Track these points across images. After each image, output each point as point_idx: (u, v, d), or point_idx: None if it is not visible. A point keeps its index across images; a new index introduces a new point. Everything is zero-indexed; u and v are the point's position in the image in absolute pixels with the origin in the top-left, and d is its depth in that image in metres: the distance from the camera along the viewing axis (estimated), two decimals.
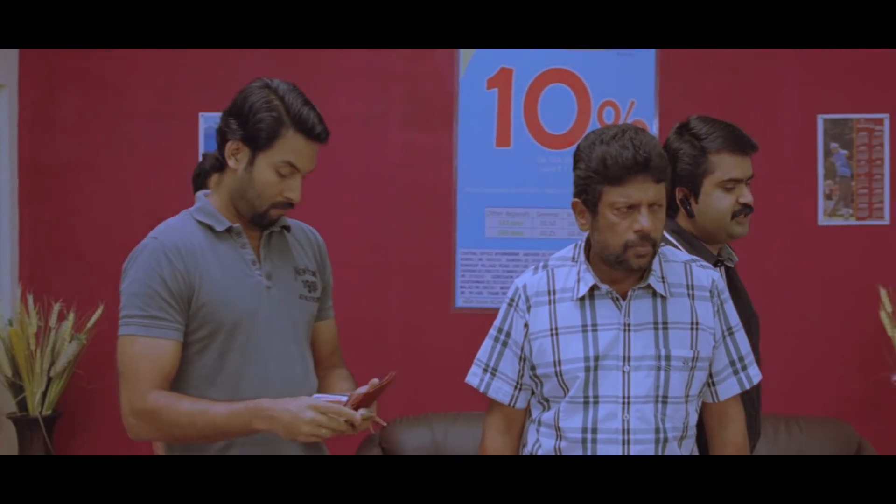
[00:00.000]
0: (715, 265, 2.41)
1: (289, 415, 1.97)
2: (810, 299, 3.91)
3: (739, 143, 2.43)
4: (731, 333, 2.25)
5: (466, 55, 4.04)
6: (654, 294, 2.17)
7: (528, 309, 2.19)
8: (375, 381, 2.02)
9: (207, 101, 4.12)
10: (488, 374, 2.23)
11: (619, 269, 2.14)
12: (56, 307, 3.87)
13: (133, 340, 2.09)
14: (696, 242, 2.46)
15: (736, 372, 2.24)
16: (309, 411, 1.96)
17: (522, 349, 2.20)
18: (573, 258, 2.22)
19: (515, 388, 2.22)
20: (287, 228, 2.25)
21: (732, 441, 2.27)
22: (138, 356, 2.07)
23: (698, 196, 2.43)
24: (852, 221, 3.98)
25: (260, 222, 2.15)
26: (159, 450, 3.40)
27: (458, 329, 3.95)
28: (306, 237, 2.32)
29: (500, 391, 2.23)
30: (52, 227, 4.15)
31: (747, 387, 2.26)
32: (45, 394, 3.80)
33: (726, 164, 2.42)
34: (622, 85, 4.03)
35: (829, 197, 3.99)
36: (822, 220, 3.99)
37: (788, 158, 3.99)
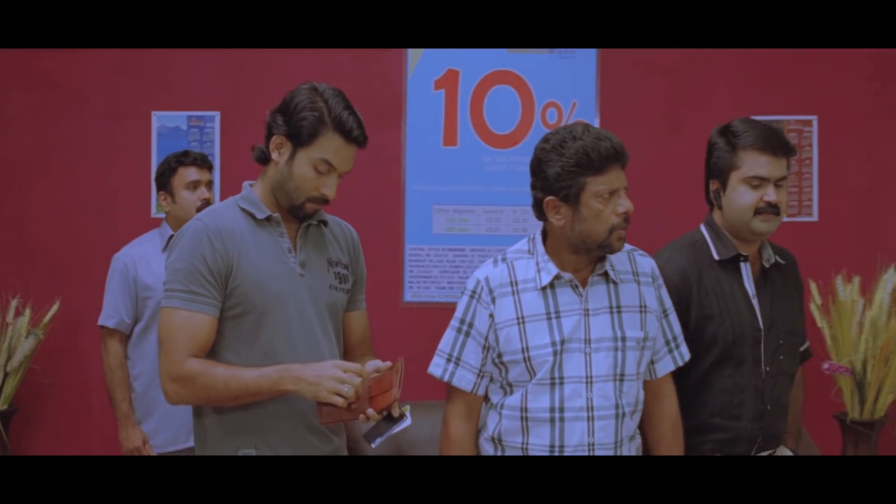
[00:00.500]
0: (736, 260, 2.55)
1: (314, 372, 2.11)
2: None
3: (769, 143, 2.50)
4: (666, 315, 2.42)
5: (414, 57, 4.09)
6: (608, 280, 2.32)
7: (493, 300, 2.30)
8: (383, 363, 2.18)
9: (160, 101, 4.15)
10: (452, 364, 2.34)
11: (593, 255, 2.28)
12: (14, 303, 3.87)
13: (174, 312, 2.20)
14: (725, 238, 2.57)
15: (671, 350, 2.43)
16: (334, 370, 2.09)
17: (487, 339, 2.31)
18: (529, 251, 2.35)
19: (478, 375, 2.34)
20: (324, 223, 2.38)
21: (669, 414, 2.45)
22: (177, 327, 2.18)
23: (727, 190, 2.55)
24: (783, 218, 4.07)
25: (296, 214, 2.28)
26: (130, 444, 3.46)
27: (407, 323, 4.01)
28: (342, 232, 2.45)
29: (464, 379, 2.34)
30: (5, 225, 4.15)
31: (680, 363, 2.44)
32: (1, 389, 3.81)
33: (753, 161, 2.50)
34: (565, 87, 4.08)
35: None
36: None
37: None
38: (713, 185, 2.60)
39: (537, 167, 2.28)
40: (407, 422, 2.15)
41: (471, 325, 2.33)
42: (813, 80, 4.07)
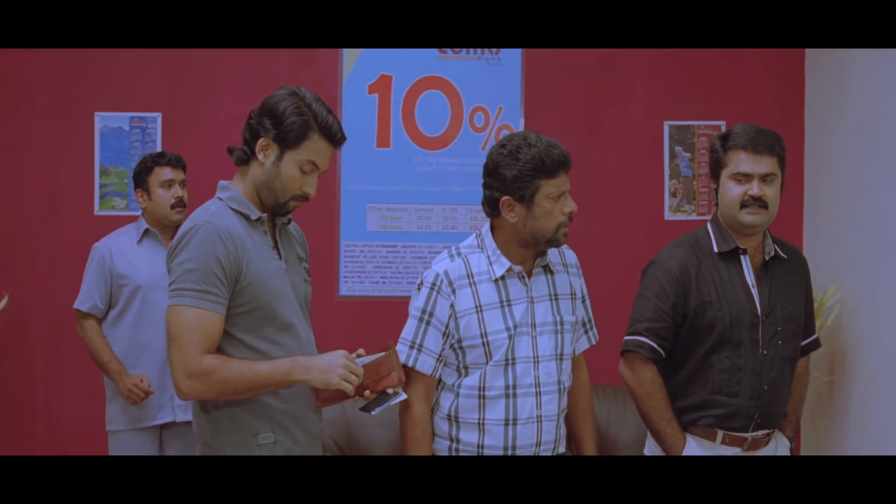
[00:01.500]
0: (735, 253, 2.75)
1: (325, 362, 2.27)
2: None
3: (751, 142, 2.69)
4: (584, 301, 2.71)
5: (349, 61, 4.20)
6: (546, 271, 2.59)
7: (454, 291, 2.51)
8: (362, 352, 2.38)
9: (103, 102, 4.22)
10: (415, 350, 2.54)
11: (539, 249, 2.55)
12: None
13: (186, 310, 2.25)
14: (726, 232, 2.79)
15: (586, 332, 2.74)
16: (343, 359, 2.27)
17: (447, 326, 2.52)
18: (479, 246, 2.59)
19: (437, 360, 2.55)
20: (289, 222, 2.54)
21: (586, 385, 2.77)
22: (190, 325, 2.24)
23: (719, 187, 2.77)
24: (694, 216, 4.25)
25: (279, 212, 2.43)
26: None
27: (342, 315, 4.15)
28: (297, 232, 2.62)
29: (426, 364, 2.54)
30: None
31: (593, 342, 2.75)
32: None
33: (738, 159, 2.70)
34: (491, 92, 4.24)
35: (674, 194, 4.26)
36: (668, 216, 4.26)
37: (639, 160, 4.27)
38: (712, 184, 2.83)
39: (494, 169, 2.51)
40: (403, 396, 2.38)
41: (431, 315, 2.52)
42: (720, 88, 4.27)
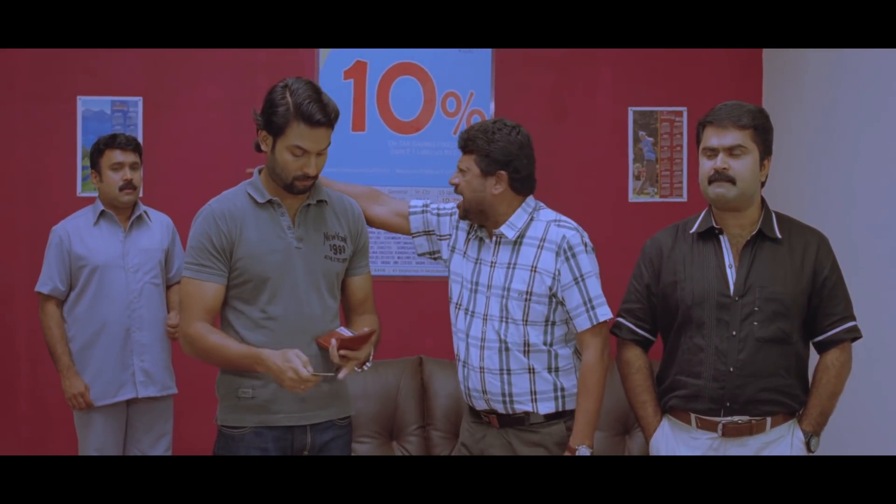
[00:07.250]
0: (710, 232, 2.70)
1: (277, 370, 2.47)
2: (622, 265, 4.22)
3: (716, 116, 2.63)
4: (583, 279, 2.78)
5: (325, 49, 4.31)
6: (515, 243, 2.84)
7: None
8: (365, 330, 2.59)
9: (85, 86, 4.30)
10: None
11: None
12: None
13: (188, 281, 2.60)
14: (708, 209, 2.74)
15: (587, 311, 2.78)
16: (290, 371, 2.45)
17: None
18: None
19: None
20: (324, 202, 2.71)
21: (588, 362, 2.79)
22: (190, 294, 2.60)
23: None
24: (657, 199, 4.40)
25: (291, 191, 2.62)
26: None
27: None
28: (344, 209, 2.78)
29: None
30: None
31: (595, 323, 2.77)
32: None
33: (706, 135, 2.64)
34: (463, 78, 4.36)
35: (637, 178, 4.40)
36: (632, 198, 4.40)
37: (604, 144, 4.41)
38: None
39: (488, 146, 2.78)
40: (339, 376, 2.56)
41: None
42: (683, 76, 4.41)
